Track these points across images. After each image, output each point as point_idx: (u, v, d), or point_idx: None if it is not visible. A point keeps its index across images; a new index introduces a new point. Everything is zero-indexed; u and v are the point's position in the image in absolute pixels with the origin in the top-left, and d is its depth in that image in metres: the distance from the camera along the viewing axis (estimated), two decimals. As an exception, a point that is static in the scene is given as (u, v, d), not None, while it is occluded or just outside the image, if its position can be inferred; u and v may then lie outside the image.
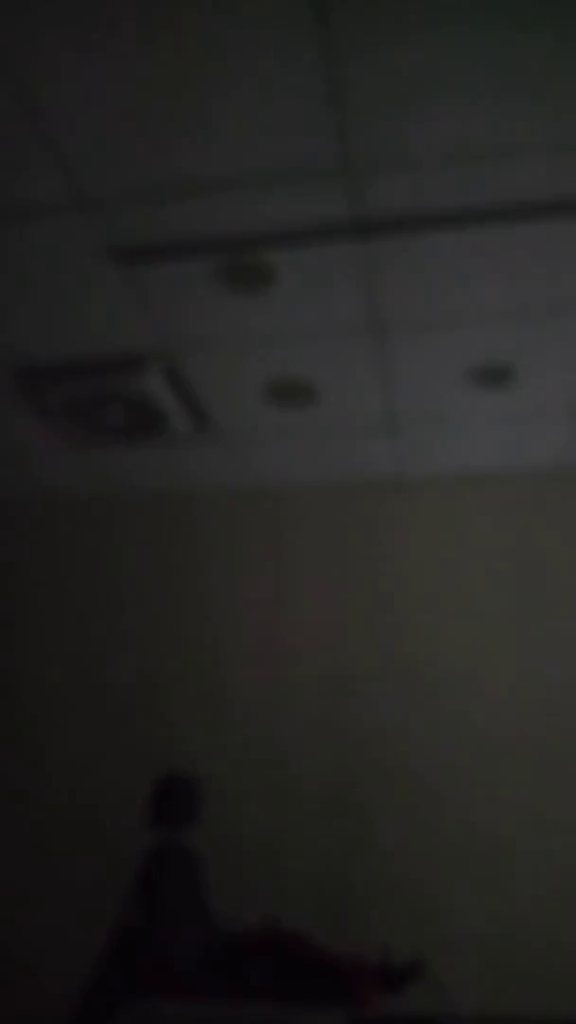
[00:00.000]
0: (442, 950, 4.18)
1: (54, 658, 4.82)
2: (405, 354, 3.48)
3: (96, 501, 5.00)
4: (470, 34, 2.06)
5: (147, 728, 4.64)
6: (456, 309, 3.17)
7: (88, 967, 4.41)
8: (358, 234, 2.75)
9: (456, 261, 2.89)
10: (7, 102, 2.24)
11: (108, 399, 3.63)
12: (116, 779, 4.60)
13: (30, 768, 4.71)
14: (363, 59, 2.12)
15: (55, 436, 4.21)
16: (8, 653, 4.88)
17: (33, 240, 2.80)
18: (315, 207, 2.64)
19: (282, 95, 2.23)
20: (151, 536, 4.90)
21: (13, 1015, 4.42)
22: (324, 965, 3.30)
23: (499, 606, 4.51)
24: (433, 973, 4.15)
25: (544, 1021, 4.04)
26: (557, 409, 3.95)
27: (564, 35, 2.06)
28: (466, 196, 2.60)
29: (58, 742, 4.71)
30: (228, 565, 4.79)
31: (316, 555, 4.73)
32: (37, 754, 4.72)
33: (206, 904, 3.54)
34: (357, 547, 4.70)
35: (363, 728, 4.47)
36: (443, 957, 4.18)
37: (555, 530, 4.55)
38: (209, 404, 3.89)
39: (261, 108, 2.27)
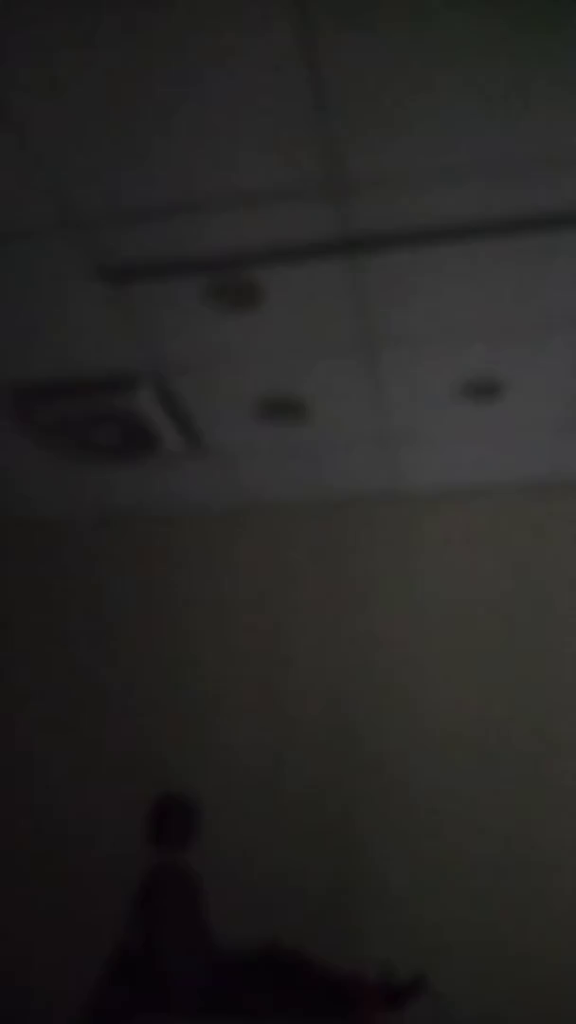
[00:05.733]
0: (442, 966, 4.16)
1: (46, 680, 4.80)
2: (395, 370, 3.49)
3: (88, 520, 5.00)
4: (459, 52, 2.08)
5: (142, 749, 4.62)
6: (445, 325, 3.19)
7: (87, 989, 4.37)
8: (347, 251, 2.77)
9: (445, 277, 2.91)
10: (-5, 126, 2.25)
11: (99, 418, 3.63)
12: (113, 802, 4.58)
13: (27, 791, 4.68)
14: (351, 78, 2.14)
15: (46, 456, 4.21)
16: (1, 676, 4.85)
17: (22, 260, 2.81)
18: (304, 225, 2.66)
19: (270, 114, 2.25)
20: (145, 554, 4.90)
21: (12, 1041, 4.37)
22: (325, 984, 3.28)
23: (494, 618, 4.51)
24: (434, 989, 4.13)
25: None
26: (547, 423, 3.97)
27: (551, 52, 2.08)
28: (454, 213, 2.62)
29: (53, 766, 4.68)
30: (222, 581, 4.79)
31: (310, 571, 4.72)
32: (33, 777, 4.69)
33: (204, 926, 3.52)
34: (351, 561, 4.70)
35: (360, 746, 4.46)
36: (443, 973, 4.15)
37: (547, 542, 4.56)
38: (200, 422, 3.90)
39: (249, 127, 2.29)
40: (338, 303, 3.04)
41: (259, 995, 3.27)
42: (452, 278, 2.92)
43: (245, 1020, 3.20)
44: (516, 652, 4.44)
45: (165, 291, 2.96)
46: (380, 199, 2.55)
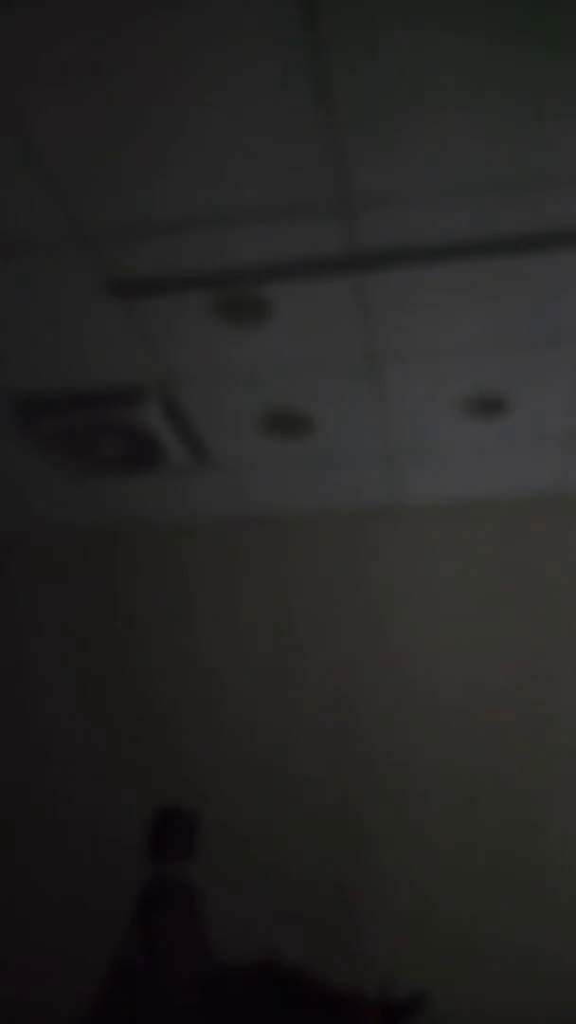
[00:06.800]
0: (445, 979, 4.14)
1: (54, 689, 4.80)
2: (399, 384, 3.51)
3: (93, 532, 5.01)
4: (465, 71, 2.10)
5: (149, 758, 4.62)
6: (449, 340, 3.20)
7: (86, 1001, 4.35)
8: (352, 267, 2.79)
9: (449, 293, 2.93)
10: (2, 138, 2.28)
11: (105, 430, 3.65)
12: (118, 808, 4.57)
13: (34, 796, 4.67)
14: (358, 96, 2.16)
15: (52, 467, 4.22)
16: (8, 685, 4.86)
17: (30, 274, 2.83)
18: (310, 242, 2.68)
19: (278, 132, 2.27)
20: (149, 566, 4.90)
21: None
22: (324, 1000, 3.26)
23: (496, 630, 4.51)
24: (434, 1006, 4.10)
25: None
26: (549, 437, 3.97)
27: (557, 71, 2.10)
28: (459, 230, 2.64)
29: (60, 773, 4.68)
30: (227, 594, 4.79)
31: (314, 584, 4.73)
32: (40, 783, 4.69)
33: (205, 939, 3.51)
34: (355, 575, 4.70)
35: (366, 754, 4.45)
36: (446, 986, 4.13)
37: (549, 556, 4.56)
38: (206, 435, 3.91)
39: (256, 143, 2.31)
40: (344, 319, 3.06)
41: (257, 1010, 3.25)
42: (457, 294, 2.94)
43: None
44: (520, 659, 4.44)
45: (172, 305, 2.98)
46: (386, 216, 2.57)
